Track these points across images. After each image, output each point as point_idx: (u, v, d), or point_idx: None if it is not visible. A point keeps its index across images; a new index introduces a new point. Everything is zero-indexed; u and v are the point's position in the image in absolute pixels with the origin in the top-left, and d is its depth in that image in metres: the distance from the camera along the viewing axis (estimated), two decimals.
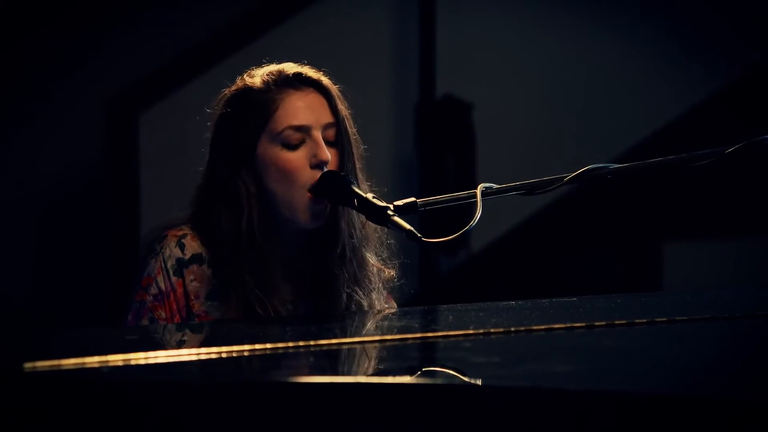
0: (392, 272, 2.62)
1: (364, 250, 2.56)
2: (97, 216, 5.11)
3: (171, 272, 2.48)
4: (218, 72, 4.91)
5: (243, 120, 2.50)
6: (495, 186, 2.41)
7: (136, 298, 2.49)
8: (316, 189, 2.46)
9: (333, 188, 2.46)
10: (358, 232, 2.54)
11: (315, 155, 2.47)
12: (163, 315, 2.46)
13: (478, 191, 2.38)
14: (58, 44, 5.07)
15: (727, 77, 5.81)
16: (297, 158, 2.47)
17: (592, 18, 5.70)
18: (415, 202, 2.42)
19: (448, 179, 5.48)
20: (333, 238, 2.52)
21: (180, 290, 2.47)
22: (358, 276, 2.55)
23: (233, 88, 2.55)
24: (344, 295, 2.53)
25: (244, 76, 2.55)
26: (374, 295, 2.58)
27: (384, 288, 2.63)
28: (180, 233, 2.50)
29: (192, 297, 2.48)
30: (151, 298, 2.47)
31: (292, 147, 2.47)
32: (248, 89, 2.52)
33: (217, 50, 5.08)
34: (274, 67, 2.54)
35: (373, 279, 2.58)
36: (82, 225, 5.12)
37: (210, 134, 2.56)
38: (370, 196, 2.43)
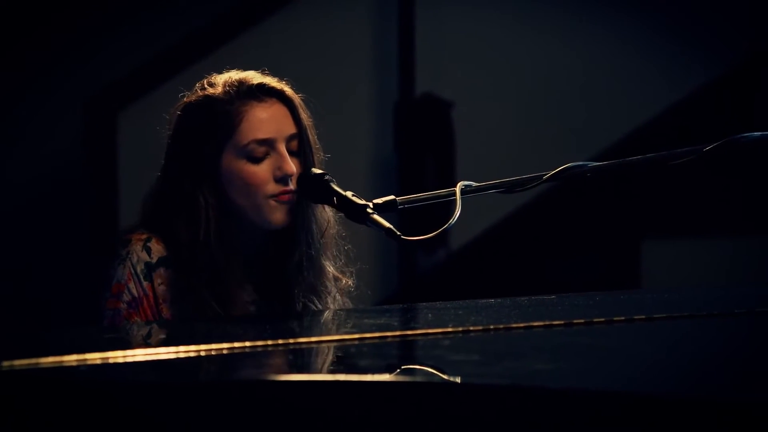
0: (349, 281, 2.62)
1: (322, 258, 2.55)
2: (75, 213, 5.10)
3: (141, 277, 2.46)
4: (197, 70, 4.88)
5: (205, 132, 2.47)
6: (474, 184, 2.41)
7: (107, 305, 2.46)
8: (298, 189, 2.46)
9: (312, 187, 2.46)
10: (316, 241, 2.53)
11: (279, 168, 2.46)
12: (139, 321, 2.45)
13: (458, 189, 2.38)
14: (37, 42, 5.05)
15: (707, 75, 5.83)
16: (262, 171, 2.46)
17: (572, 17, 5.70)
18: (394, 200, 2.42)
19: (427, 177, 5.48)
20: (291, 246, 2.51)
21: (150, 294, 2.46)
22: (315, 284, 2.54)
23: (193, 96, 2.51)
24: (300, 304, 2.53)
25: (204, 84, 2.52)
26: (330, 303, 2.58)
27: (341, 294, 2.62)
28: (144, 236, 2.48)
29: (160, 300, 2.46)
30: (125, 305, 2.45)
31: (257, 160, 2.46)
32: (210, 99, 2.49)
33: (196, 48, 5.07)
34: (235, 76, 2.51)
35: (329, 286, 2.58)
36: (61, 222, 5.10)
37: (167, 141, 2.53)
38: (349, 194, 2.42)
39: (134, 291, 2.45)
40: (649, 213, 5.77)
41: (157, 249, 2.47)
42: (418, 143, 5.51)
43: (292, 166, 2.46)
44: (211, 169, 2.47)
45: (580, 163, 2.36)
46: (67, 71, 5.09)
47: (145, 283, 2.45)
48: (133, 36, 5.16)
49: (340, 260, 2.61)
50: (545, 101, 5.70)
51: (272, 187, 2.46)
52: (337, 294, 2.60)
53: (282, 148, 2.47)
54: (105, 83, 5.11)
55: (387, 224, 2.36)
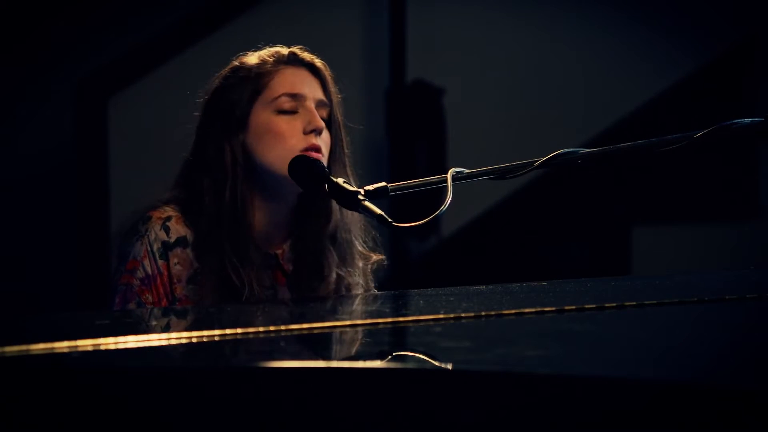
0: (382, 256, 2.64)
1: (351, 232, 2.58)
2: (66, 198, 5.09)
3: (157, 255, 2.47)
4: (188, 56, 4.89)
5: (237, 90, 2.50)
6: (465, 171, 2.41)
7: (121, 280, 2.47)
8: (288, 171, 2.46)
9: (304, 173, 2.46)
10: (346, 215, 2.56)
11: (309, 122, 2.48)
12: (150, 299, 2.45)
13: (449, 176, 2.38)
14: (28, 28, 5.03)
15: (697, 62, 5.84)
16: (291, 123, 2.48)
17: (563, 2, 5.70)
18: (385, 186, 2.42)
19: (418, 164, 5.48)
20: (324, 217, 2.53)
21: (165, 273, 2.47)
22: (347, 257, 2.56)
23: (227, 68, 2.55)
24: (333, 275, 2.54)
25: (239, 56, 2.56)
26: (359, 277, 2.59)
27: (371, 272, 2.64)
28: (164, 215, 2.49)
29: (175, 280, 2.47)
30: (138, 282, 2.46)
31: (287, 113, 2.49)
32: (243, 65, 2.53)
33: (188, 35, 5.06)
34: (269, 49, 2.56)
35: (358, 262, 2.59)
36: (52, 207, 5.09)
37: (200, 112, 2.55)
38: (340, 180, 2.42)
39: (148, 269, 2.46)
40: (640, 199, 5.78)
41: (176, 228, 2.48)
42: (409, 130, 5.51)
43: (321, 121, 2.48)
44: (241, 124, 2.48)
45: (571, 149, 2.36)
46: (57, 58, 5.08)
47: (160, 262, 2.46)
48: (123, 22, 5.15)
49: (368, 238, 2.63)
50: (536, 88, 5.70)
51: (302, 140, 2.47)
52: (370, 270, 2.62)
53: (311, 105, 2.50)
54: (95, 69, 5.10)
55: (378, 211, 2.36)
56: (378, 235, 2.64)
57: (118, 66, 5.11)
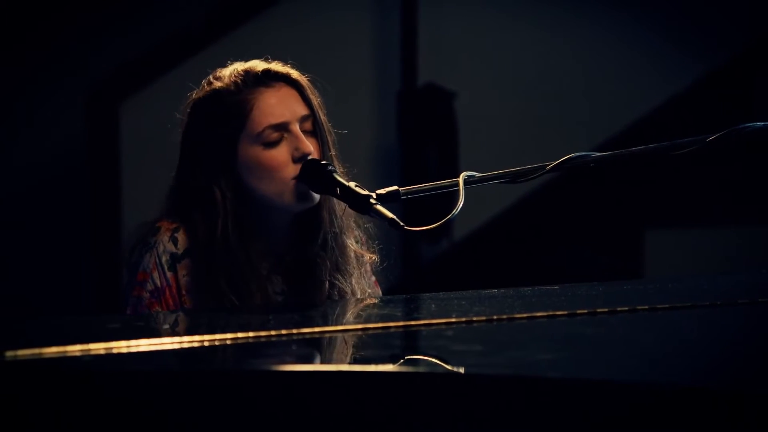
0: (374, 256, 2.63)
1: (344, 237, 2.57)
2: (77, 206, 5.10)
3: (166, 267, 2.47)
4: (198, 62, 4.89)
5: (218, 125, 2.48)
6: (477, 174, 2.41)
7: (133, 293, 2.48)
8: (299, 179, 2.46)
9: (315, 177, 2.46)
10: (338, 219, 2.54)
11: (297, 149, 2.47)
12: (160, 311, 2.46)
13: (461, 179, 2.38)
14: (38, 35, 5.04)
15: (710, 65, 5.83)
16: (280, 154, 2.47)
17: (574, 6, 5.70)
18: (397, 190, 2.42)
19: (430, 168, 5.48)
20: (315, 227, 2.52)
21: (174, 285, 2.47)
22: (340, 264, 2.55)
23: (201, 93, 2.52)
24: (326, 283, 2.53)
25: (210, 79, 2.52)
26: (355, 282, 2.58)
27: (369, 272, 2.64)
28: (173, 226, 2.49)
29: (184, 291, 2.47)
30: (148, 294, 2.46)
31: (273, 144, 2.47)
32: (218, 92, 2.49)
33: (197, 40, 5.07)
34: (239, 66, 2.52)
35: (353, 265, 2.58)
36: (63, 215, 5.10)
37: (180, 139, 2.54)
38: (352, 184, 2.43)
39: (158, 281, 2.46)
40: (652, 203, 5.77)
41: (184, 240, 2.48)
42: (421, 133, 5.50)
43: (308, 145, 2.47)
44: (226, 161, 2.47)
45: (583, 153, 2.36)
46: (68, 64, 5.09)
47: (169, 274, 2.46)
48: (133, 28, 5.16)
49: (362, 238, 2.62)
50: (547, 92, 5.70)
51: (293, 169, 2.46)
52: (364, 273, 2.61)
53: (296, 129, 2.48)
54: (106, 76, 5.10)
55: (390, 214, 2.36)
56: (373, 228, 2.63)
57: (129, 71, 5.12)
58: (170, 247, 2.47)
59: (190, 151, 2.51)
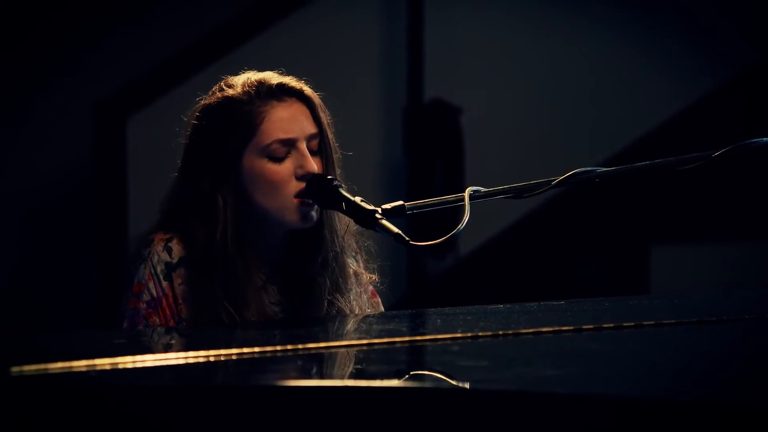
0: (374, 276, 2.63)
1: (345, 256, 2.56)
2: (85, 218, 5.10)
3: (161, 277, 2.47)
4: (207, 75, 4.90)
5: (226, 132, 2.48)
6: (483, 189, 2.41)
7: (128, 305, 2.47)
8: (304, 193, 2.46)
9: (321, 192, 2.46)
10: (339, 238, 2.54)
11: (301, 166, 2.47)
12: (158, 321, 2.45)
13: (466, 195, 2.38)
14: (47, 47, 5.06)
15: (716, 80, 5.83)
16: (284, 170, 2.46)
17: (581, 22, 5.70)
18: (403, 205, 2.42)
19: (436, 183, 5.48)
20: (316, 246, 2.52)
21: (170, 294, 2.47)
22: (339, 283, 2.55)
23: (212, 98, 2.51)
24: (325, 302, 2.53)
25: (223, 85, 2.52)
26: (353, 300, 2.58)
27: (368, 289, 2.64)
28: (166, 236, 2.49)
29: (180, 300, 2.47)
30: (145, 305, 2.46)
31: (279, 159, 2.47)
32: (229, 100, 2.49)
33: (206, 54, 5.07)
34: (253, 76, 2.52)
35: (353, 284, 2.58)
36: (71, 227, 5.11)
37: (185, 143, 2.54)
38: (358, 199, 2.43)
39: (153, 291, 2.46)
40: (658, 218, 5.76)
41: (178, 249, 2.48)
42: (426, 148, 5.51)
43: (313, 164, 2.46)
44: (231, 169, 2.47)
45: (589, 168, 2.36)
46: (77, 76, 5.10)
47: (164, 283, 2.46)
48: (142, 40, 5.17)
49: (362, 257, 2.62)
50: (554, 107, 5.70)
51: (294, 186, 2.46)
52: (362, 292, 2.61)
53: (303, 147, 2.47)
54: (115, 88, 5.11)
55: (396, 229, 2.36)
56: (374, 246, 2.63)
57: (136, 85, 5.13)
58: (164, 256, 2.47)
59: (195, 156, 2.51)
